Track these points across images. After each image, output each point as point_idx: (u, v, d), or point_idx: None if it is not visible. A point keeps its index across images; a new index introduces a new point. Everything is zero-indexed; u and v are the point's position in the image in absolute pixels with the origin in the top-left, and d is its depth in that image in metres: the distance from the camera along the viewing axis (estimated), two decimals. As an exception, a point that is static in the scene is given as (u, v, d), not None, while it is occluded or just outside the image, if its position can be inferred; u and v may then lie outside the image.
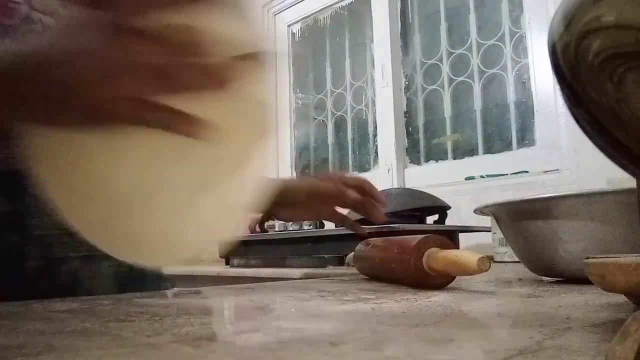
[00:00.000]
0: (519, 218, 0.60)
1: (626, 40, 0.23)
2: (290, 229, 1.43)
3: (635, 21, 0.22)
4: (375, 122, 2.01)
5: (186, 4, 0.33)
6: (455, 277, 0.52)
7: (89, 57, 0.33)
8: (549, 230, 0.55)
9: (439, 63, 1.86)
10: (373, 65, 2.03)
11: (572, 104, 0.27)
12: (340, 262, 1.18)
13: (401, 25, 1.98)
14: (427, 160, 1.86)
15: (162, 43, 0.33)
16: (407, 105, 1.94)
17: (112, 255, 0.40)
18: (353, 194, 0.75)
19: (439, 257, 0.50)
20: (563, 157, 1.46)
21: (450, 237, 0.82)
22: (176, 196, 0.37)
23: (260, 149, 0.38)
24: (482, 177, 1.65)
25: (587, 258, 0.34)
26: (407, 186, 1.82)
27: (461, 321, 0.32)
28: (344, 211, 0.82)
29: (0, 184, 0.52)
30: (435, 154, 1.84)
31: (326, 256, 1.22)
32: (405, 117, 1.94)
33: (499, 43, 1.70)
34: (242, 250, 1.48)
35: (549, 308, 0.36)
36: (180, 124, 0.34)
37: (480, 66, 1.74)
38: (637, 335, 0.15)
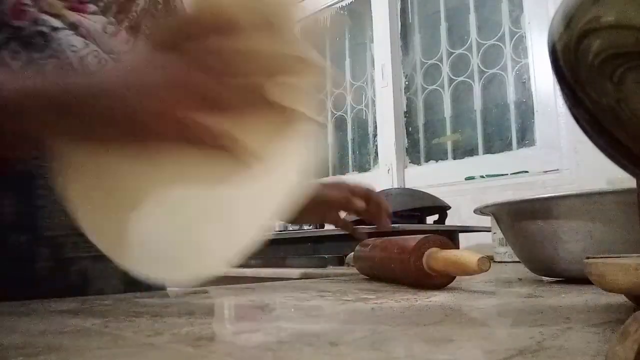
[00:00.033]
0: (519, 218, 0.60)
1: (626, 40, 0.23)
2: (290, 229, 1.43)
3: (635, 21, 0.22)
4: (375, 122, 2.01)
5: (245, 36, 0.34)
6: (455, 277, 0.52)
7: (153, 90, 0.35)
8: (549, 230, 0.55)
9: (439, 63, 1.86)
10: (373, 65, 2.03)
11: (572, 104, 0.27)
12: (340, 262, 1.18)
13: (401, 25, 1.98)
14: (427, 160, 1.86)
15: (209, 63, 0.34)
16: (407, 105, 1.94)
17: (125, 267, 0.40)
18: (360, 203, 0.76)
19: (439, 257, 0.50)
20: (563, 157, 1.46)
21: (450, 237, 0.82)
22: (201, 212, 0.37)
23: (295, 159, 0.38)
24: (482, 177, 1.65)
25: (587, 258, 0.34)
26: (407, 186, 1.82)
27: (461, 321, 0.32)
28: (342, 214, 0.83)
29: (11, 185, 0.52)
30: (435, 154, 1.84)
31: (326, 256, 1.22)
32: (405, 117, 1.94)
33: (499, 43, 1.70)
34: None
35: (549, 308, 0.36)
36: (221, 143, 0.35)
37: (480, 66, 1.74)
38: (637, 335, 0.15)
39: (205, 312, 0.40)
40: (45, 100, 0.36)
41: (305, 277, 1.06)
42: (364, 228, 0.84)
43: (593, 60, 0.24)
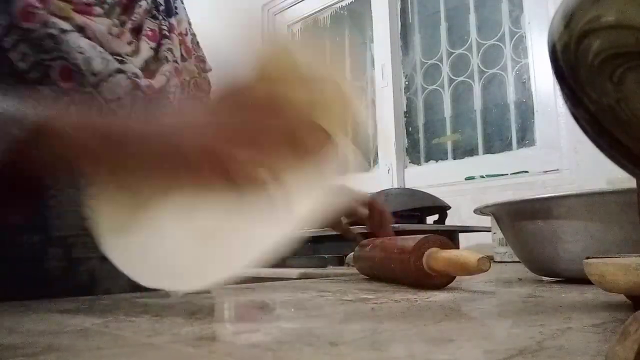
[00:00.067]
0: (519, 218, 0.60)
1: (626, 40, 0.23)
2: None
3: (635, 21, 0.22)
4: (375, 122, 2.01)
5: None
6: (455, 277, 0.52)
7: (201, 128, 0.37)
8: (549, 230, 0.55)
9: (439, 63, 1.86)
10: (373, 65, 2.03)
11: (572, 104, 0.27)
12: (340, 262, 1.18)
13: (401, 25, 1.98)
14: (427, 160, 1.86)
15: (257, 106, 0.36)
16: (407, 105, 1.94)
17: (143, 283, 0.40)
18: (363, 210, 0.77)
19: (439, 257, 0.50)
20: (563, 157, 1.46)
21: (450, 237, 0.82)
22: (218, 225, 0.38)
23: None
24: (482, 177, 1.65)
25: (587, 258, 0.34)
26: (407, 186, 1.82)
27: (461, 321, 0.32)
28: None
29: (23, 186, 0.53)
30: (435, 154, 1.84)
31: (326, 256, 1.22)
32: (405, 117, 1.94)
33: (499, 43, 1.70)
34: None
35: (549, 308, 0.36)
36: (256, 182, 0.36)
37: (480, 66, 1.74)
38: (637, 335, 0.15)
39: (205, 312, 0.40)
40: (103, 136, 0.38)
41: (305, 277, 1.05)
42: (361, 229, 0.85)
43: (593, 60, 0.24)
